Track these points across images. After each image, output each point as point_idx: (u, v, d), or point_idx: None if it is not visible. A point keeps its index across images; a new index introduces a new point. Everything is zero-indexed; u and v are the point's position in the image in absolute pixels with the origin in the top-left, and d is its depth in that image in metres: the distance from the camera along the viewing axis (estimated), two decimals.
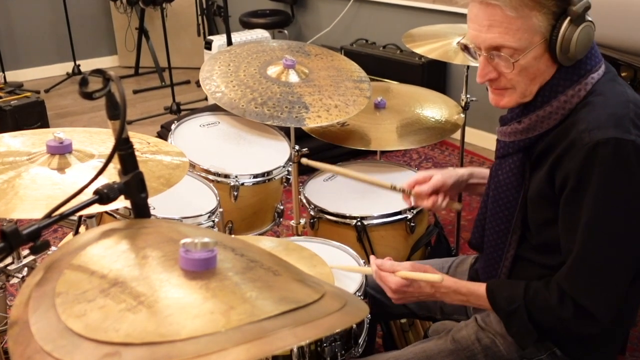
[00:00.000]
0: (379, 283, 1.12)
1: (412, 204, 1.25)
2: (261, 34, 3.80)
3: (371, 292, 1.28)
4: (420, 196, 1.20)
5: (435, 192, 1.20)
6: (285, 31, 4.12)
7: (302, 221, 1.72)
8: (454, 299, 1.07)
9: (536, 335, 1.00)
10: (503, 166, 1.05)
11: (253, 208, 1.67)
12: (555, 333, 1.02)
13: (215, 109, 1.77)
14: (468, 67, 1.95)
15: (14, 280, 1.21)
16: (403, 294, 1.09)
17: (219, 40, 3.59)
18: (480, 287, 1.05)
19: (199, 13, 4.15)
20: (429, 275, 1.05)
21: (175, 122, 1.76)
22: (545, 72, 0.97)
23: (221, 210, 1.51)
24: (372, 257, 1.15)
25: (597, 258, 0.94)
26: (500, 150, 1.06)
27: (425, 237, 1.65)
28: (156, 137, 1.75)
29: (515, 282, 1.02)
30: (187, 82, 4.25)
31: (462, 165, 2.11)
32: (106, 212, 1.34)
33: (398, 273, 1.08)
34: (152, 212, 0.94)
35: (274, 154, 1.73)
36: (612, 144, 0.90)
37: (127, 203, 0.72)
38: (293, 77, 1.65)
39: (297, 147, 1.69)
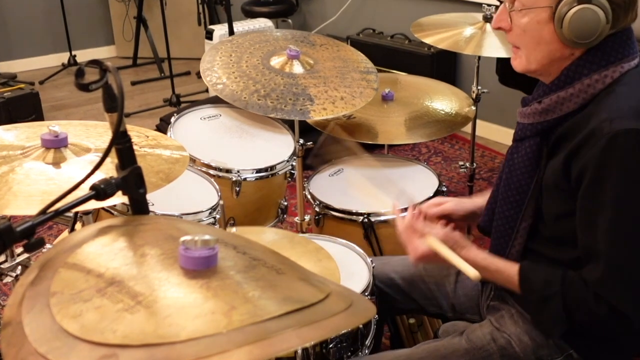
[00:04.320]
0: (403, 238, 1.08)
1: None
2: (264, 23, 3.76)
3: (380, 285, 1.26)
4: (430, 218, 1.18)
5: (444, 218, 1.19)
6: (289, 20, 4.09)
7: (307, 218, 1.71)
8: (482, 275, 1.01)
9: (567, 327, 0.97)
10: (519, 149, 1.04)
11: (256, 204, 1.66)
12: (586, 328, 0.99)
13: (216, 101, 1.76)
14: (479, 57, 1.92)
15: (7, 279, 1.20)
16: (427, 260, 1.06)
17: (220, 30, 3.56)
18: (512, 267, 1.01)
19: (199, 1, 4.12)
20: (465, 265, 0.99)
21: (175, 114, 1.75)
22: (550, 44, 0.96)
23: (222, 203, 1.49)
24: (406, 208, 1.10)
25: (629, 258, 0.92)
26: (519, 133, 1.05)
27: None
28: (155, 130, 1.73)
29: (552, 268, 0.99)
30: (187, 73, 4.23)
31: (472, 159, 2.08)
32: (103, 209, 1.33)
33: (429, 241, 1.03)
34: (150, 208, 0.93)
35: (278, 147, 1.71)
36: (633, 135, 0.88)
37: (125, 199, 0.72)
38: (297, 68, 1.63)
39: (301, 141, 1.67)
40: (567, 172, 0.95)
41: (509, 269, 1.01)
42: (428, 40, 1.86)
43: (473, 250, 1.04)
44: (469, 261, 1.01)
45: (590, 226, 0.93)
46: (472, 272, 0.97)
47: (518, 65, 1.02)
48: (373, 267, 1.26)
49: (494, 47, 1.79)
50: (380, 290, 1.26)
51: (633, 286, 0.92)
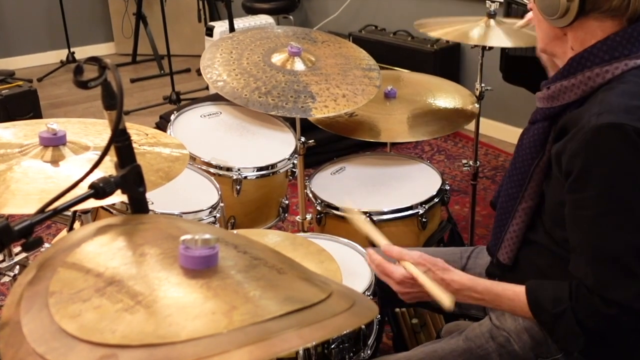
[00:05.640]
0: (380, 276, 1.06)
1: None
2: (265, 19, 3.76)
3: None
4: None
5: None
6: (291, 17, 4.08)
7: (308, 217, 1.70)
8: (468, 297, 1.00)
9: (585, 339, 0.95)
10: (530, 131, 1.06)
11: (256, 203, 1.65)
12: (607, 337, 0.97)
13: (216, 98, 1.75)
14: (483, 54, 1.90)
15: (5, 279, 1.20)
16: (410, 287, 1.02)
17: (220, 27, 3.55)
18: (513, 289, 0.99)
19: None
20: (439, 292, 0.95)
21: (175, 112, 1.74)
22: (543, 22, 1.01)
23: (223, 204, 1.48)
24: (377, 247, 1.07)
25: (613, 251, 0.91)
26: (533, 116, 1.08)
27: (438, 234, 1.63)
28: (155, 128, 1.73)
29: (559, 282, 0.97)
30: (187, 70, 4.22)
31: (476, 157, 2.07)
32: (102, 207, 1.33)
33: (403, 263, 1.01)
34: (150, 207, 0.92)
35: (279, 146, 1.70)
36: (615, 128, 0.88)
37: (124, 198, 0.71)
38: (299, 65, 1.62)
39: (302, 139, 1.66)
40: (559, 165, 0.96)
41: (510, 290, 0.99)
42: (432, 34, 1.83)
43: (457, 272, 1.02)
44: (454, 283, 0.99)
45: (575, 222, 0.94)
46: (446, 300, 0.93)
47: (538, 45, 1.06)
48: None
49: (499, 38, 1.76)
50: (382, 283, 1.25)
51: (626, 276, 0.91)
